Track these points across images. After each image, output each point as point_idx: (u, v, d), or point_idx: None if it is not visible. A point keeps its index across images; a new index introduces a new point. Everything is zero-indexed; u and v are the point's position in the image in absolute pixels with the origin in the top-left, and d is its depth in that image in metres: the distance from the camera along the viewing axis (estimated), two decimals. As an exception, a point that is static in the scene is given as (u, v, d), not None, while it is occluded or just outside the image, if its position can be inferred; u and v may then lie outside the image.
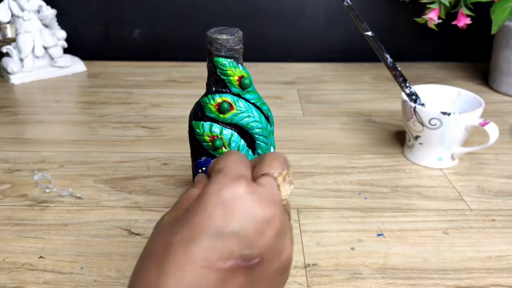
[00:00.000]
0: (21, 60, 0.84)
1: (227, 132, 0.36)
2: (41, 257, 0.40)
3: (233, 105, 0.35)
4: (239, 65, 0.35)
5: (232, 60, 0.35)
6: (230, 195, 0.23)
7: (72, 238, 0.42)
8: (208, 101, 0.36)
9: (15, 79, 0.83)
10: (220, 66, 0.34)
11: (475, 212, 0.46)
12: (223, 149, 0.36)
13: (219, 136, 0.36)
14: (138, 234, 0.43)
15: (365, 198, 0.48)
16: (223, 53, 0.34)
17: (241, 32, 0.35)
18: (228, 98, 0.35)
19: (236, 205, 0.22)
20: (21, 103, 0.75)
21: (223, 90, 0.36)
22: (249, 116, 0.36)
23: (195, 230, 0.22)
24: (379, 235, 0.43)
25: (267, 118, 0.38)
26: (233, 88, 0.35)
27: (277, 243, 0.24)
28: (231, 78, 0.35)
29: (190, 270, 0.21)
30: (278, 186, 0.25)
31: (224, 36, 0.34)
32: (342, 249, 0.41)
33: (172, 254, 0.22)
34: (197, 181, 0.27)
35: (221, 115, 0.36)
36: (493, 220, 0.45)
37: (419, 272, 0.38)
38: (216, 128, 0.36)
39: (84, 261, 0.39)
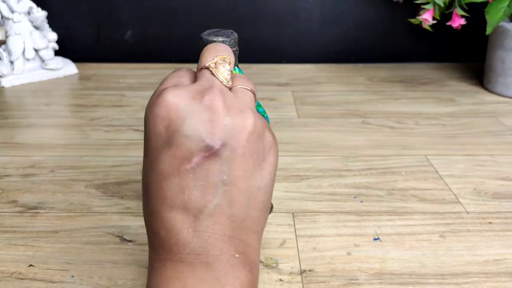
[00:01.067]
0: (12, 62, 0.83)
1: None
2: (30, 265, 0.39)
3: None
4: (235, 67, 0.34)
5: None
6: (160, 107, 0.23)
7: (62, 246, 0.41)
8: None
9: (5, 82, 0.81)
10: None
11: (472, 215, 0.46)
12: None
13: None
14: (130, 241, 0.42)
15: (361, 202, 0.48)
16: None
17: (236, 34, 0.34)
18: None
19: (171, 112, 0.23)
20: (12, 107, 0.74)
21: None
22: None
23: (152, 152, 0.24)
24: (375, 239, 0.42)
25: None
26: None
27: (231, 120, 0.24)
28: None
29: (165, 184, 0.23)
30: (211, 72, 0.26)
31: (220, 38, 0.33)
32: (338, 254, 0.40)
33: (148, 179, 0.24)
34: None
35: None
36: (490, 223, 0.44)
37: (417, 277, 0.38)
38: None
39: (75, 269, 0.38)
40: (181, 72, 0.27)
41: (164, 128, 0.23)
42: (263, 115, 0.38)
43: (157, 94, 0.24)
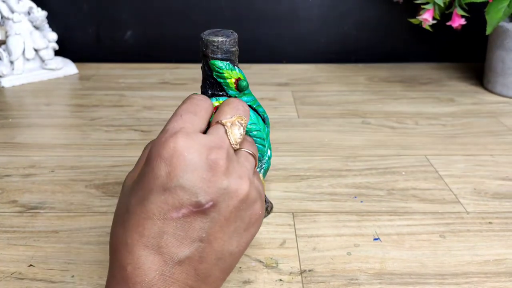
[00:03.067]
0: (12, 62, 0.83)
1: None
2: (30, 265, 0.39)
3: None
4: (235, 67, 0.34)
5: (228, 62, 0.34)
6: (169, 152, 0.24)
7: (62, 246, 0.41)
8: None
9: (5, 82, 0.81)
10: (217, 68, 0.34)
11: (472, 215, 0.46)
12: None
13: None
14: (130, 241, 0.42)
15: (361, 202, 0.48)
16: (219, 56, 0.33)
17: (236, 34, 0.34)
18: None
19: (176, 160, 0.24)
20: (12, 107, 0.74)
21: (220, 93, 0.35)
22: None
23: (146, 190, 0.24)
24: (375, 239, 0.42)
25: (263, 120, 0.37)
26: (229, 91, 0.35)
27: (228, 184, 0.25)
28: (227, 80, 0.34)
29: (148, 224, 0.24)
30: (226, 131, 0.27)
31: (220, 39, 0.33)
32: (338, 254, 0.40)
33: (132, 214, 0.24)
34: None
35: None
36: (490, 223, 0.44)
37: (417, 277, 0.38)
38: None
39: (75, 270, 0.38)
40: (197, 107, 0.28)
41: (165, 173, 0.24)
42: (263, 115, 0.38)
43: (169, 135, 0.25)
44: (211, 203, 0.24)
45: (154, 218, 0.24)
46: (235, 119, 0.27)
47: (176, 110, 0.28)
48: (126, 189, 0.26)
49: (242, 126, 0.28)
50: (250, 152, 0.28)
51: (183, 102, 0.28)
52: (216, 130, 0.27)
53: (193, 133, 0.25)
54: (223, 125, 0.27)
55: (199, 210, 0.24)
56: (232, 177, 0.25)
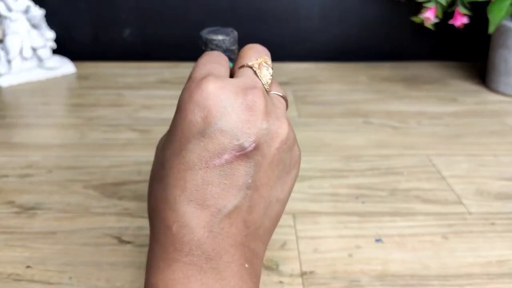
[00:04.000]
0: (9, 61, 0.82)
1: None
2: (28, 266, 0.38)
3: None
4: None
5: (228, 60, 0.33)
6: (201, 96, 0.23)
7: (60, 247, 0.41)
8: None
9: (2, 81, 0.81)
10: None
11: (475, 215, 0.45)
12: None
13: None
14: (129, 242, 0.41)
15: (363, 202, 0.47)
16: None
17: (236, 32, 0.34)
18: None
19: (211, 103, 0.22)
20: (9, 106, 0.73)
21: None
22: None
23: (181, 139, 0.23)
24: (377, 240, 0.42)
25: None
26: None
27: (268, 125, 0.23)
28: None
29: (189, 175, 0.22)
30: (255, 73, 0.25)
31: (220, 37, 0.33)
32: (339, 256, 0.40)
33: (170, 168, 0.23)
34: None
35: None
36: (493, 224, 0.44)
37: (419, 278, 0.37)
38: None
39: (73, 271, 0.38)
40: (218, 58, 0.26)
41: (201, 118, 0.22)
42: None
43: (198, 81, 0.23)
44: (254, 145, 0.23)
45: (196, 168, 0.22)
46: (261, 61, 0.26)
47: (197, 63, 0.26)
48: (160, 144, 0.25)
49: (270, 66, 0.26)
50: (281, 95, 0.27)
51: (202, 56, 0.27)
52: (245, 72, 0.25)
53: (223, 77, 0.24)
54: (251, 67, 0.25)
55: (242, 153, 0.22)
56: (271, 117, 0.24)
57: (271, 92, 0.26)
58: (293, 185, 0.26)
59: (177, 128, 0.23)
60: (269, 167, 0.24)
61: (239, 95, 0.23)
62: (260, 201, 0.23)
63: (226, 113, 0.22)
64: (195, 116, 0.22)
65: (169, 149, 0.23)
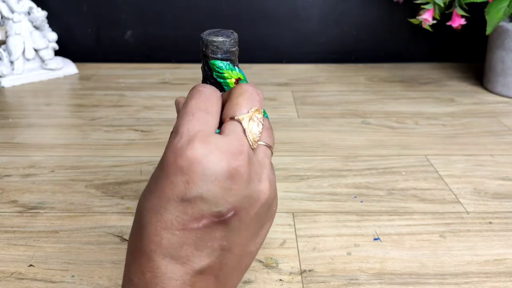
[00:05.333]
0: (12, 62, 0.83)
1: None
2: (31, 265, 0.39)
3: None
4: (236, 67, 0.34)
5: (228, 62, 0.34)
6: (185, 162, 0.22)
7: (62, 246, 0.41)
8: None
9: (5, 82, 0.81)
10: (217, 69, 0.34)
11: (472, 215, 0.46)
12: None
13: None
14: (130, 241, 0.42)
15: (361, 202, 0.48)
16: (219, 56, 0.33)
17: (237, 34, 0.34)
18: None
19: (195, 169, 0.22)
20: (12, 107, 0.74)
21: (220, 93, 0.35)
22: None
23: (162, 198, 0.23)
24: (375, 239, 0.42)
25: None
26: None
27: (250, 191, 0.23)
28: (228, 81, 0.34)
29: (166, 234, 0.22)
30: (244, 130, 0.24)
31: (220, 38, 0.33)
32: (338, 254, 0.40)
33: (148, 222, 0.23)
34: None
35: None
36: (490, 223, 0.44)
37: (417, 277, 0.38)
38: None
39: (75, 269, 0.38)
40: (207, 101, 0.25)
41: (183, 183, 0.22)
42: (264, 115, 0.38)
43: (184, 142, 0.23)
44: (232, 212, 0.23)
45: (173, 228, 0.22)
46: (252, 114, 0.25)
47: (185, 106, 0.25)
48: (143, 192, 0.25)
49: (261, 121, 0.25)
50: (267, 145, 0.26)
51: (191, 97, 0.26)
52: (232, 128, 0.24)
53: (210, 137, 0.23)
54: (240, 122, 0.24)
55: (221, 220, 0.23)
56: (254, 182, 0.24)
57: (259, 142, 0.25)
58: (266, 235, 0.26)
59: (158, 185, 0.23)
60: (246, 228, 0.24)
61: (223, 162, 0.22)
62: (233, 258, 0.24)
63: (209, 181, 0.22)
64: (176, 179, 0.22)
65: (149, 201, 0.23)
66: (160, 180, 0.23)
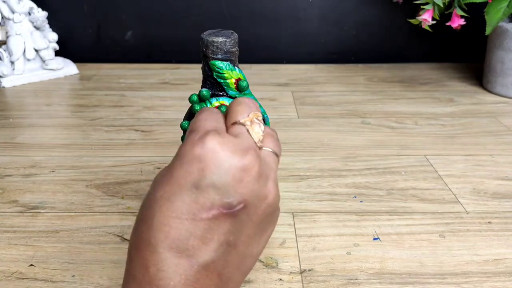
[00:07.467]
0: (12, 63, 0.83)
1: None
2: (31, 265, 0.39)
3: None
4: (236, 67, 0.35)
5: (228, 62, 0.34)
6: (202, 150, 0.23)
7: (63, 245, 0.41)
8: (205, 105, 0.35)
9: (6, 82, 0.81)
10: (217, 69, 0.34)
11: (472, 214, 0.46)
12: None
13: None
14: (130, 241, 0.42)
15: (361, 201, 0.48)
16: (219, 56, 0.34)
17: (236, 34, 0.34)
18: (226, 101, 0.35)
19: (209, 158, 0.23)
20: (12, 107, 0.74)
21: (220, 93, 0.35)
22: None
23: (175, 185, 0.23)
24: (375, 239, 0.42)
25: (264, 120, 0.37)
26: (230, 91, 0.35)
27: (259, 187, 0.24)
28: (228, 81, 0.34)
29: (175, 223, 0.23)
30: (248, 131, 0.26)
31: (221, 39, 0.33)
32: (338, 254, 0.40)
33: (157, 209, 0.23)
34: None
35: None
36: (489, 222, 0.45)
37: (416, 276, 0.38)
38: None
39: (76, 269, 0.38)
40: (216, 115, 0.27)
41: (197, 170, 0.23)
42: (263, 115, 0.38)
43: (201, 135, 0.24)
44: (242, 205, 0.23)
45: (182, 218, 0.23)
46: (252, 116, 0.26)
47: (196, 119, 0.26)
48: (153, 184, 0.25)
49: (261, 122, 0.26)
50: (273, 151, 0.27)
51: (199, 113, 0.27)
52: (239, 130, 0.25)
53: (224, 133, 0.24)
54: (243, 125, 0.26)
55: (230, 212, 0.23)
56: (263, 180, 0.24)
57: (264, 148, 0.27)
58: (267, 241, 0.27)
59: (173, 172, 0.24)
60: (252, 226, 0.24)
61: (237, 155, 0.24)
62: (237, 256, 0.24)
63: (222, 170, 0.23)
64: (192, 166, 0.23)
65: (159, 190, 0.24)
66: (173, 169, 0.24)
